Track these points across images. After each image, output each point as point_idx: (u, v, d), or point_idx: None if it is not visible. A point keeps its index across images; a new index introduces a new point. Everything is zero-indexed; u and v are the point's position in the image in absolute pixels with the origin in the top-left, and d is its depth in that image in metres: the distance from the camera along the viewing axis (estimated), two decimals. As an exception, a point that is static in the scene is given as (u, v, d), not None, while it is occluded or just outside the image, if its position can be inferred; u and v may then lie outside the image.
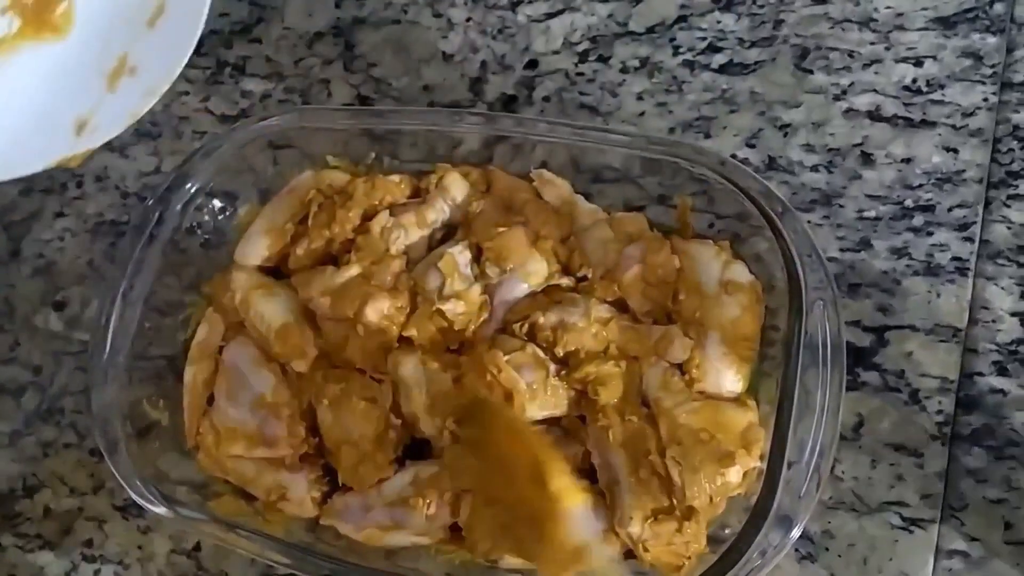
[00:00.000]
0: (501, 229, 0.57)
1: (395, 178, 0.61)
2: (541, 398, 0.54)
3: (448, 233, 0.60)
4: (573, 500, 0.49)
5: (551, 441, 0.53)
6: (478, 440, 0.52)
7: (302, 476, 0.56)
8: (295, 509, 0.56)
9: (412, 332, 0.56)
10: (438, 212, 0.60)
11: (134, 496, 0.55)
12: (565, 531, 0.49)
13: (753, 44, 0.63)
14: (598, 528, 0.53)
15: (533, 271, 0.56)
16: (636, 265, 0.54)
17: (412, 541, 0.55)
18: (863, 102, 0.60)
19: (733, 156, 0.59)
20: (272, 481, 0.57)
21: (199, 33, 0.66)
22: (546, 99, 0.65)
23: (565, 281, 0.57)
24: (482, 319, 0.56)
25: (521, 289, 0.57)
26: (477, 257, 0.58)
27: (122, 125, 0.66)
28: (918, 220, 0.57)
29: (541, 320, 0.55)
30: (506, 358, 0.54)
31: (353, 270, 0.58)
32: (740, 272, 0.54)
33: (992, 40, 0.59)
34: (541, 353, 0.55)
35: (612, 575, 0.53)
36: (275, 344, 0.58)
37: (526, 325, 0.55)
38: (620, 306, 0.56)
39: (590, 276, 0.57)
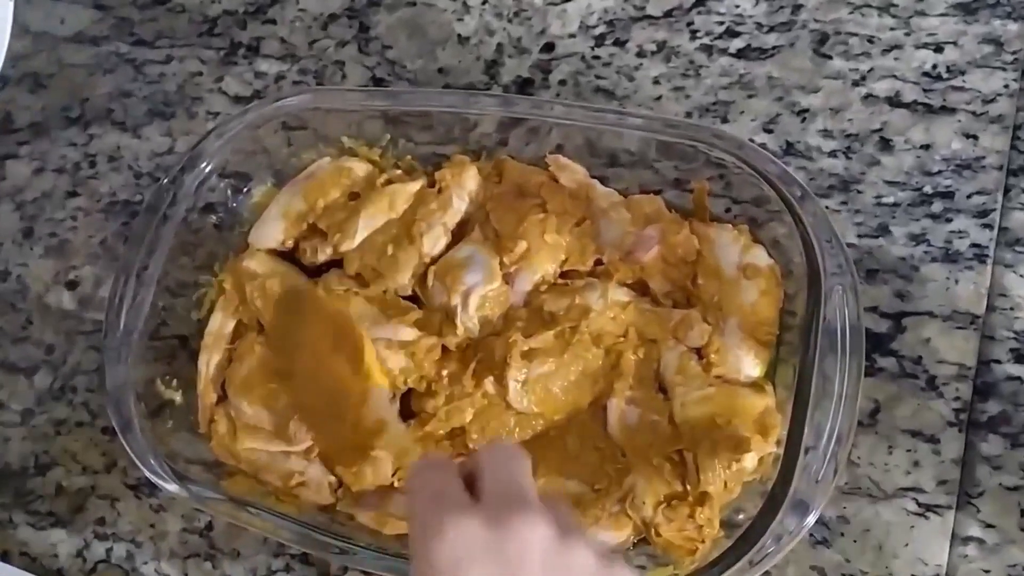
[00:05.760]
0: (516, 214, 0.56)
1: (413, 186, 0.60)
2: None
3: (463, 222, 0.60)
4: (379, 380, 0.54)
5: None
6: (296, 324, 0.56)
7: (319, 463, 0.56)
8: (312, 495, 0.56)
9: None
10: (456, 213, 0.59)
11: (148, 474, 0.55)
12: (367, 408, 0.53)
13: (771, 29, 0.62)
14: (395, 410, 0.55)
15: (547, 258, 0.56)
16: (656, 245, 0.54)
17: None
18: (882, 88, 0.60)
19: (751, 141, 0.59)
20: (287, 469, 0.56)
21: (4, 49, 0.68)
22: (562, 83, 0.65)
23: (581, 266, 0.57)
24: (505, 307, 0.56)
25: (536, 276, 0.56)
26: (495, 245, 0.57)
27: None
28: (937, 206, 0.57)
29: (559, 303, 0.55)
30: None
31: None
32: (759, 256, 0.54)
33: (1013, 27, 0.59)
34: None
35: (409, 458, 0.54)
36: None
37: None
38: (639, 289, 0.56)
39: (606, 260, 0.56)
